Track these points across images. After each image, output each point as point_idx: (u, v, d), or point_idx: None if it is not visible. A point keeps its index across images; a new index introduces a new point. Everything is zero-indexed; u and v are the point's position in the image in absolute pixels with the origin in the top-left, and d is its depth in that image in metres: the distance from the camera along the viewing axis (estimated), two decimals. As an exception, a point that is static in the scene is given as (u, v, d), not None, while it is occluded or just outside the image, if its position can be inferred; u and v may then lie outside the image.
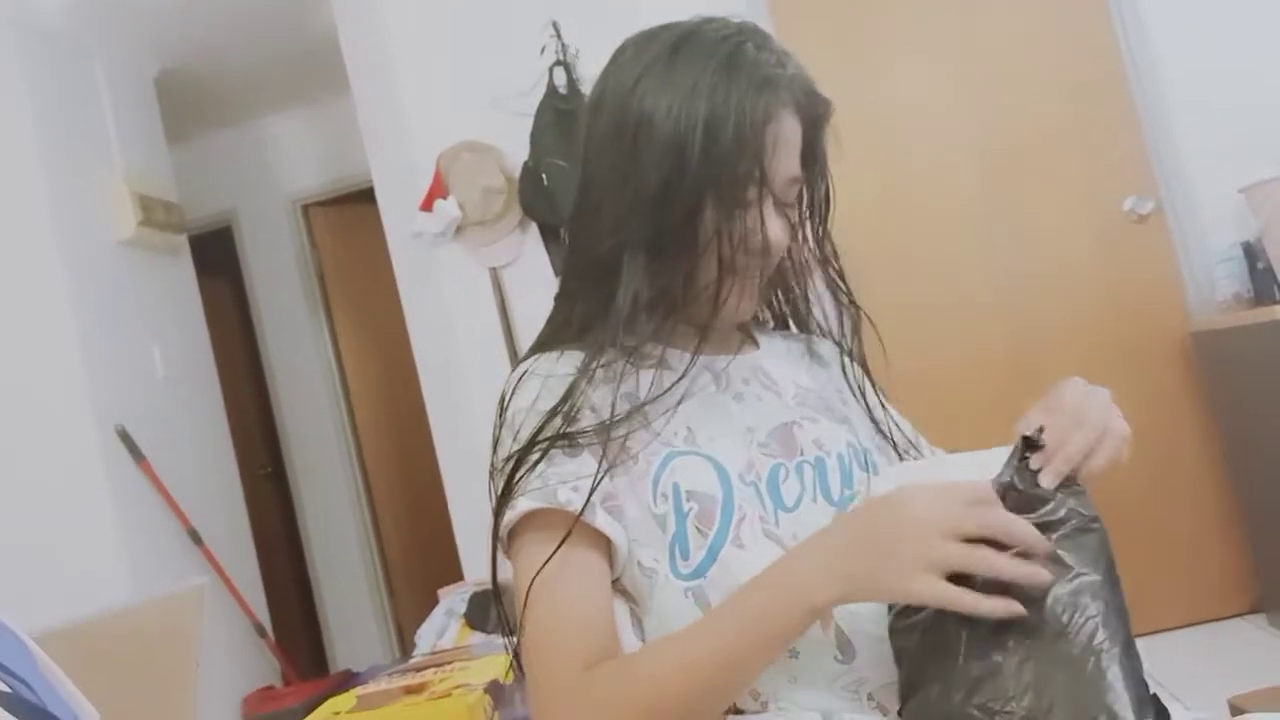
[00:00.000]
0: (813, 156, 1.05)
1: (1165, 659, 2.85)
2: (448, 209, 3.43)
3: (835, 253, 1.10)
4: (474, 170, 3.42)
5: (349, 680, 4.33)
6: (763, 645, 0.81)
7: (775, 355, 1.11)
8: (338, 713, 1.67)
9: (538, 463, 0.92)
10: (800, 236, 1.07)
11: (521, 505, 0.91)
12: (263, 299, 5.47)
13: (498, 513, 0.94)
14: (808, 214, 1.07)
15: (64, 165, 3.66)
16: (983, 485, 0.82)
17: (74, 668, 1.27)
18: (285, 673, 4.23)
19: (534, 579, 0.89)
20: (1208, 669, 2.75)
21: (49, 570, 3.34)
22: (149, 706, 1.64)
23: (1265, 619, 3.00)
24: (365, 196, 3.93)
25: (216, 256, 5.22)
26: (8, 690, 0.93)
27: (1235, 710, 1.17)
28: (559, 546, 0.88)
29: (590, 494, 0.89)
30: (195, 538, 3.81)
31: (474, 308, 3.52)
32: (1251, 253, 2.95)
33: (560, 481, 0.90)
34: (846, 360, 1.14)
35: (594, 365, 0.95)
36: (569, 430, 0.92)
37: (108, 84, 4.00)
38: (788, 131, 0.98)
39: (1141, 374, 3.15)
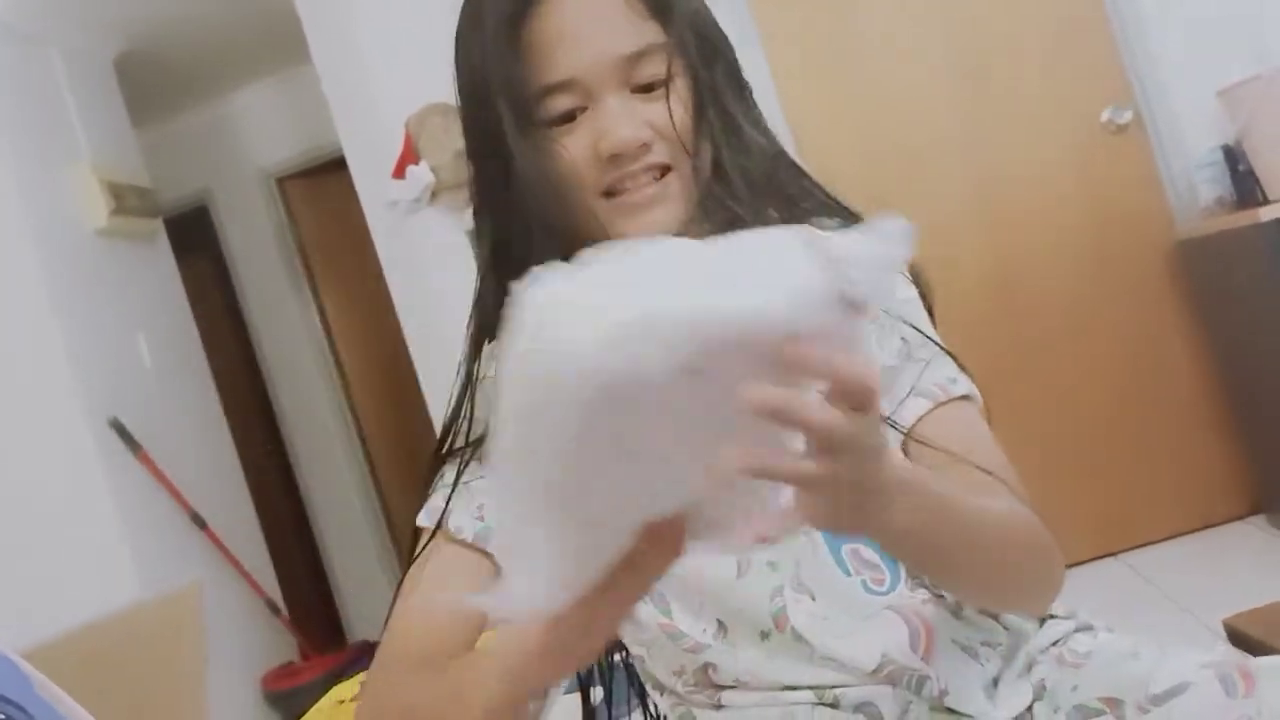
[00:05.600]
0: (665, 7, 0.86)
1: (1166, 570, 2.87)
2: (421, 174, 3.39)
3: (724, 127, 0.89)
4: (444, 133, 3.37)
5: (368, 651, 4.37)
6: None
7: None
8: (343, 700, 1.68)
9: (440, 473, 0.92)
10: (701, 114, 0.88)
11: (419, 519, 0.91)
12: (245, 277, 5.43)
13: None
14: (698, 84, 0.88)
15: (29, 159, 3.61)
16: None
17: (80, 677, 1.27)
18: (302, 648, 4.26)
19: (409, 583, 0.89)
20: (1210, 577, 2.77)
21: (56, 569, 3.35)
22: (161, 706, 1.65)
23: (1265, 519, 3.02)
24: (340, 165, 3.88)
25: (195, 237, 5.17)
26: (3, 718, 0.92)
27: (1232, 632, 1.17)
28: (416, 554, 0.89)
29: (446, 506, 0.88)
30: (199, 523, 3.82)
31: (457, 272, 3.48)
32: (1232, 156, 2.92)
33: (451, 496, 0.89)
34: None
35: (474, 369, 0.92)
36: (456, 447, 0.91)
37: (66, 72, 3.93)
38: (575, 10, 0.83)
39: (1129, 285, 3.13)
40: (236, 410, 4.77)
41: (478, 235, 0.93)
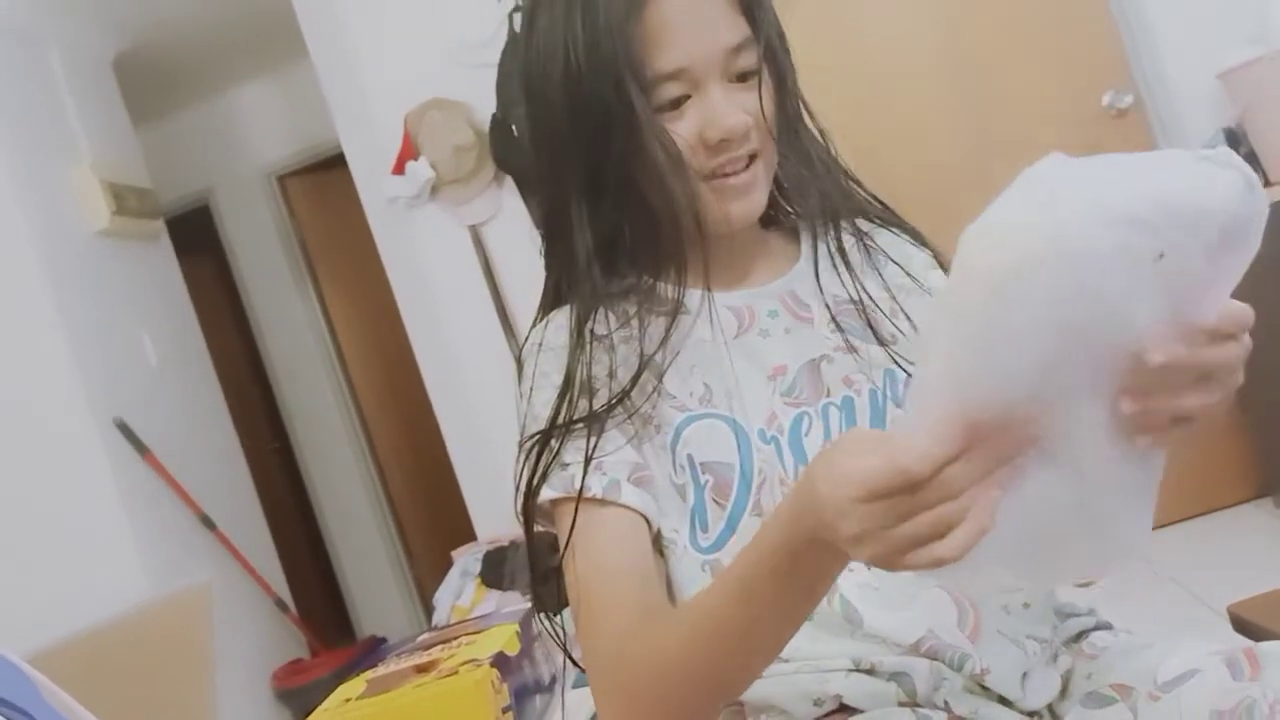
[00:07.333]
0: (754, 2, 0.92)
1: (1171, 554, 2.86)
2: (420, 170, 3.38)
3: (797, 115, 0.99)
4: (442, 128, 3.37)
5: (376, 646, 4.39)
6: (781, 600, 0.74)
7: (822, 267, 0.99)
8: (349, 699, 1.68)
9: (559, 448, 0.89)
10: (783, 103, 0.96)
11: (545, 494, 0.89)
12: (248, 275, 5.44)
13: (532, 491, 0.91)
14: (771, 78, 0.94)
15: (29, 161, 3.61)
16: (882, 471, 0.61)
17: (89, 678, 1.28)
18: (311, 644, 4.27)
19: (571, 561, 0.87)
20: (1216, 561, 2.76)
21: (64, 571, 3.36)
22: (171, 706, 1.66)
23: (1271, 502, 3.01)
24: (339, 162, 3.89)
25: (196, 236, 5.18)
26: (9, 725, 0.93)
27: (1236, 620, 1.16)
28: (572, 530, 0.87)
29: (586, 467, 0.87)
30: (208, 523, 3.82)
31: (457, 267, 3.49)
32: (1234, 138, 2.90)
33: (582, 463, 0.88)
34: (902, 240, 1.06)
35: (587, 335, 0.91)
36: (578, 417, 0.89)
37: (65, 73, 3.93)
38: (684, 2, 0.87)
39: (1132, 271, 3.12)
40: (242, 408, 4.79)
41: (574, 219, 0.93)
